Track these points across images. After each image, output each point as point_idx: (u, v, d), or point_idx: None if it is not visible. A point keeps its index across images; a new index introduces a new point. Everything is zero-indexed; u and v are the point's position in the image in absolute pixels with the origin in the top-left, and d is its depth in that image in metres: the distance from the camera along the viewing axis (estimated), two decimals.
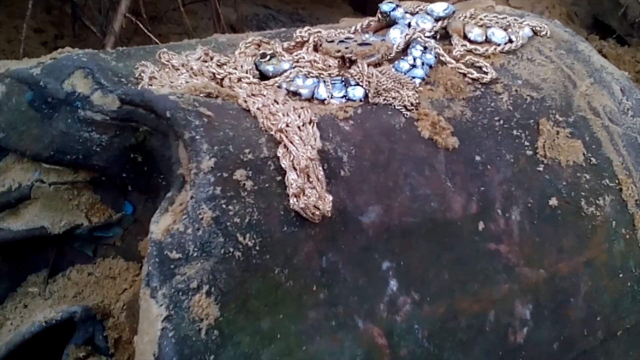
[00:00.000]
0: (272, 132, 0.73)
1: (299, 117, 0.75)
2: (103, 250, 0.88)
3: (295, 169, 0.69)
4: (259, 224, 0.66)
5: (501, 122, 0.88)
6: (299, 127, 0.73)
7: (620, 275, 0.89)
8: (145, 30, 1.71)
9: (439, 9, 1.02)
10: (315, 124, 0.75)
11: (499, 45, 1.01)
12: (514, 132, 0.88)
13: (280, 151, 0.71)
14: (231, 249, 0.64)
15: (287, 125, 0.72)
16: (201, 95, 0.78)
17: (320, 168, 0.70)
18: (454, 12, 1.02)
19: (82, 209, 0.86)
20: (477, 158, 0.83)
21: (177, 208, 0.66)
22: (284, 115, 0.75)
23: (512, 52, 1.01)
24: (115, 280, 0.86)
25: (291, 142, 0.71)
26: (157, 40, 1.78)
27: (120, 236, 0.87)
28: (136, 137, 0.78)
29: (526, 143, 0.88)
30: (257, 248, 0.65)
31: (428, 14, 1.02)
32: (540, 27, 1.08)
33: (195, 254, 0.63)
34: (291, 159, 0.70)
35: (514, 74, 0.96)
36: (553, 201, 0.85)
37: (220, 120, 0.73)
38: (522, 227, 0.82)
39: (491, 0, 1.26)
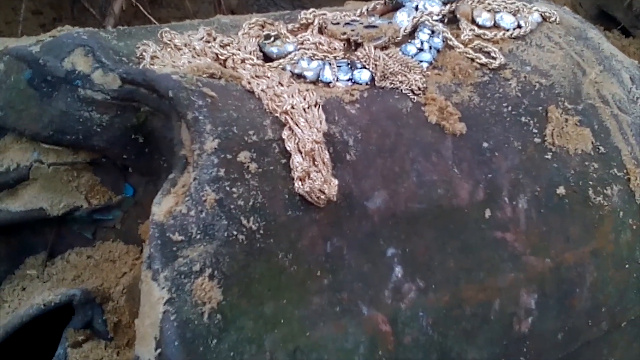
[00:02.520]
0: (277, 114, 0.71)
1: (304, 99, 0.74)
2: (102, 233, 0.87)
3: (300, 152, 0.68)
4: (263, 208, 0.65)
5: (509, 108, 0.87)
6: (304, 110, 0.71)
7: (626, 266, 0.88)
8: (145, 13, 1.68)
9: None
10: (320, 107, 0.73)
11: (507, 30, 0.99)
12: (522, 119, 0.87)
13: (285, 133, 0.69)
14: (235, 232, 0.62)
15: (293, 107, 0.70)
16: (204, 75, 0.77)
17: (326, 151, 0.69)
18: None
19: (81, 190, 0.84)
20: (485, 145, 0.82)
21: (179, 190, 0.65)
22: (289, 97, 0.73)
23: (521, 38, 0.99)
24: (115, 263, 0.85)
25: (296, 125, 0.69)
26: (156, 23, 1.76)
27: (120, 219, 0.86)
28: (137, 117, 0.76)
29: (534, 130, 0.86)
30: (261, 232, 0.64)
31: None
32: (550, 13, 1.06)
33: (198, 237, 0.61)
34: (296, 141, 0.68)
35: (522, 60, 0.94)
36: (560, 190, 0.84)
37: (224, 101, 0.71)
38: (529, 216, 0.80)
39: None
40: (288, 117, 0.70)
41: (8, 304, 0.83)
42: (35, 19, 2.29)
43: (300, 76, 0.83)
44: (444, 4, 0.99)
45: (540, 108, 0.89)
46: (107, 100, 0.75)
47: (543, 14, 1.06)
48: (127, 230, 0.85)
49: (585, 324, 0.85)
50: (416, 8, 0.98)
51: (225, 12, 2.18)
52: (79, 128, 0.77)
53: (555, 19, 1.06)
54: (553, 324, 0.81)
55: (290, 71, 0.84)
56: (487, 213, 0.78)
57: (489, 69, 0.91)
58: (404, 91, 0.82)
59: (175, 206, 0.63)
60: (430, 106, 0.81)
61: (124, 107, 0.76)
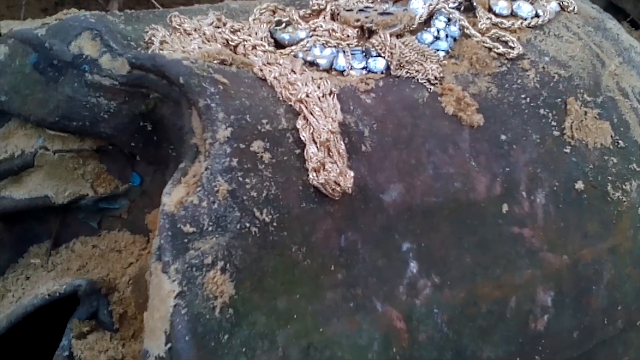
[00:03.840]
0: (291, 103, 0.69)
1: (319, 87, 0.71)
2: (108, 223, 0.85)
3: (315, 142, 0.65)
4: (277, 199, 0.62)
5: (528, 100, 0.84)
6: (319, 98, 0.69)
7: None
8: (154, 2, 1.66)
9: None
10: (335, 96, 0.71)
11: (525, 19, 0.97)
12: (541, 111, 0.84)
13: (299, 123, 0.67)
14: (247, 224, 0.60)
15: (307, 96, 0.68)
16: (215, 62, 0.74)
17: (342, 142, 0.66)
18: None
19: (87, 178, 0.82)
20: (503, 137, 0.79)
21: (190, 179, 0.63)
22: (303, 85, 0.71)
23: (539, 27, 0.96)
24: (121, 253, 0.83)
25: (311, 114, 0.67)
26: (160, 8, 1.73)
27: (127, 208, 0.84)
28: (146, 104, 0.74)
29: (553, 123, 0.84)
30: (275, 224, 0.62)
31: None
32: (568, 2, 1.03)
33: (210, 228, 0.59)
34: (311, 131, 0.66)
35: (541, 50, 0.92)
36: (579, 185, 0.81)
37: (236, 88, 0.69)
38: (547, 211, 0.78)
39: None
40: (302, 106, 0.67)
41: (12, 294, 0.81)
42: (37, 3, 2.26)
43: (312, 64, 0.81)
44: None
45: (559, 100, 0.86)
46: (115, 86, 0.73)
47: (561, 3, 1.03)
48: (134, 219, 0.83)
49: (601, 322, 0.83)
50: None
51: None
52: (86, 114, 0.74)
53: (574, 9, 1.03)
54: (569, 322, 0.79)
55: (303, 58, 0.81)
56: (505, 208, 0.76)
57: (507, 58, 0.88)
58: (420, 81, 0.79)
59: (186, 196, 0.61)
60: (447, 96, 0.79)
61: (132, 93, 0.73)
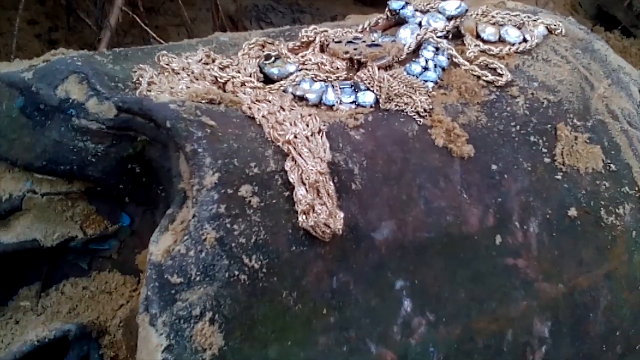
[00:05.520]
0: (279, 144, 0.68)
1: (307, 126, 0.71)
2: (98, 263, 0.84)
3: (304, 184, 0.65)
4: (266, 244, 0.62)
5: (518, 127, 0.84)
6: (307, 138, 0.69)
7: None
8: (142, 25, 1.66)
9: (451, 7, 0.97)
10: (324, 134, 0.71)
11: (513, 44, 0.97)
12: (531, 138, 0.84)
13: (288, 164, 0.66)
14: (236, 272, 0.60)
15: (295, 137, 0.67)
16: (203, 101, 0.74)
17: (331, 182, 0.66)
18: (466, 10, 0.97)
19: (76, 220, 0.81)
20: (494, 167, 0.79)
21: (178, 227, 0.62)
22: (291, 124, 0.70)
23: (527, 52, 0.96)
24: (112, 295, 0.82)
25: (299, 155, 0.66)
26: (154, 35, 1.73)
27: (117, 249, 0.83)
28: (134, 147, 0.73)
29: (544, 150, 0.84)
30: (264, 270, 0.61)
31: (440, 12, 0.97)
32: (555, 25, 1.03)
33: (197, 278, 0.58)
34: (300, 172, 0.65)
35: (529, 76, 0.92)
36: (572, 211, 0.81)
37: (224, 130, 0.68)
38: (541, 240, 0.78)
39: None
40: (291, 147, 0.67)
41: (1, 339, 0.80)
42: (30, 29, 2.26)
43: (302, 98, 0.81)
44: (448, 19, 0.96)
45: (549, 126, 0.86)
46: (102, 130, 0.73)
47: (548, 27, 1.03)
48: (124, 260, 0.82)
49: (600, 349, 0.82)
50: (419, 24, 0.96)
51: (223, 19, 2.16)
52: (73, 158, 0.74)
53: (561, 31, 1.03)
54: (567, 351, 0.78)
55: (292, 93, 0.81)
56: (498, 239, 0.75)
57: (496, 86, 0.88)
58: (409, 113, 0.79)
59: (173, 245, 0.60)
60: (436, 128, 0.79)
61: (119, 137, 0.73)
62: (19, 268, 0.84)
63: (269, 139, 0.69)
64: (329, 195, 0.65)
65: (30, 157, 0.76)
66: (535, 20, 1.03)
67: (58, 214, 0.81)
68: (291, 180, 0.65)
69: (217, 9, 2.13)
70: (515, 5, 1.14)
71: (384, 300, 0.67)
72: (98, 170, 0.74)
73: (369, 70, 0.81)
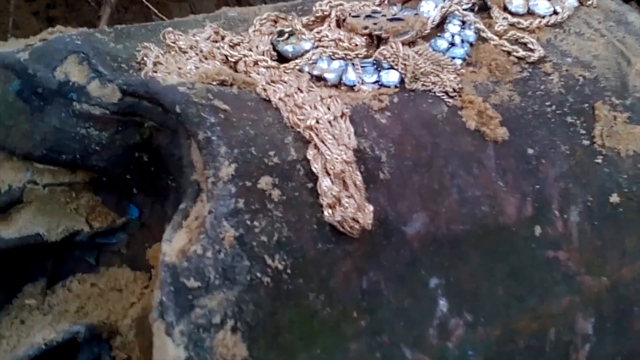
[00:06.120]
0: (300, 129, 0.62)
1: (329, 109, 0.65)
2: (107, 258, 0.78)
3: (328, 174, 0.59)
4: (290, 242, 0.56)
5: (553, 107, 0.78)
6: (329, 122, 0.62)
7: None
8: (146, 3, 1.59)
9: None
10: (347, 118, 0.65)
11: (543, 17, 0.90)
12: (568, 118, 0.78)
13: (310, 152, 0.60)
14: (258, 274, 0.54)
15: (317, 122, 0.61)
16: (214, 83, 0.68)
17: (358, 172, 0.60)
18: None
19: (81, 212, 0.76)
20: (530, 151, 0.73)
21: (192, 223, 0.56)
22: (311, 108, 0.64)
23: (559, 26, 0.90)
24: (122, 292, 0.76)
25: (322, 142, 0.60)
26: (155, 11, 1.66)
27: (126, 243, 0.78)
28: (141, 133, 0.67)
29: (582, 131, 0.78)
30: (289, 271, 0.55)
31: None
32: None
33: (217, 282, 0.53)
34: (324, 162, 0.59)
35: (562, 51, 0.85)
36: (614, 198, 0.75)
37: (239, 114, 0.62)
38: (582, 230, 0.72)
39: None
40: (313, 133, 0.61)
41: (6, 340, 0.75)
42: (27, 6, 2.19)
43: (320, 78, 0.75)
44: None
45: (586, 105, 0.80)
46: (106, 115, 0.66)
47: None
48: (134, 254, 0.77)
49: None
50: None
51: None
52: (76, 147, 0.68)
53: (592, 2, 0.97)
54: (611, 348, 0.73)
55: (309, 73, 0.75)
56: (537, 230, 0.69)
57: (528, 62, 0.82)
58: (437, 94, 0.73)
59: (189, 244, 0.54)
60: (467, 110, 0.72)
61: (125, 123, 0.67)
62: (23, 263, 0.78)
63: (288, 124, 0.63)
64: (356, 186, 0.59)
65: (30, 146, 0.70)
66: None
67: (61, 206, 0.75)
68: (314, 170, 0.59)
69: None
70: None
71: (417, 300, 0.61)
72: (103, 160, 0.68)
73: (392, 47, 0.75)
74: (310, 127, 0.61)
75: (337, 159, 0.59)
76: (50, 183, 0.73)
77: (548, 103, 0.78)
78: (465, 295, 0.63)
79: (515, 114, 0.75)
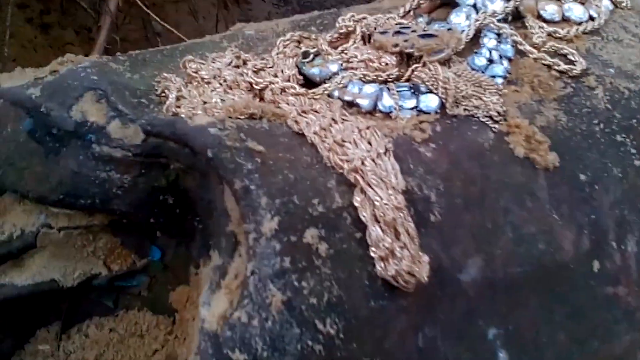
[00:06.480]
0: (342, 171, 0.57)
1: (370, 144, 0.60)
2: (126, 301, 0.73)
3: (378, 222, 0.54)
4: (341, 302, 0.51)
5: (601, 125, 0.73)
6: (374, 161, 0.57)
7: None
8: (145, 8, 1.52)
9: None
10: (391, 154, 0.59)
11: (579, 24, 0.85)
12: (617, 137, 0.73)
13: (357, 198, 0.55)
14: (310, 342, 0.49)
15: (362, 163, 0.56)
16: (242, 117, 0.63)
17: (410, 219, 0.55)
18: None
19: (99, 255, 0.70)
20: (582, 177, 0.68)
21: (232, 282, 0.51)
22: (351, 144, 0.59)
23: (596, 32, 0.85)
24: (143, 338, 0.72)
25: (369, 185, 0.55)
26: (156, 18, 1.59)
27: (147, 285, 0.72)
28: (166, 175, 0.62)
29: (632, 150, 0.73)
30: (341, 335, 0.50)
31: None
32: None
33: (265, 354, 0.47)
34: (372, 208, 0.54)
35: (604, 61, 0.80)
36: None
37: (275, 155, 0.57)
38: None
39: None
40: (358, 176, 0.55)
41: None
42: (21, 13, 2.12)
43: (352, 104, 0.69)
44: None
45: (634, 121, 0.75)
46: (128, 158, 0.61)
47: (614, 0, 0.91)
48: (155, 297, 0.72)
49: None
50: (474, 6, 0.84)
51: None
52: (95, 191, 0.63)
53: (627, 4, 0.91)
54: None
55: (339, 98, 0.69)
56: (595, 265, 0.65)
57: (570, 76, 0.76)
58: (481, 118, 0.68)
59: (230, 309, 0.49)
60: (514, 135, 0.67)
61: (149, 165, 0.62)
62: (36, 306, 0.73)
63: (329, 164, 0.58)
64: (409, 235, 0.53)
65: (44, 190, 0.64)
66: None
67: (78, 250, 0.70)
68: (362, 218, 0.54)
69: None
70: None
71: (476, 355, 0.56)
72: (125, 204, 0.63)
73: (430, 69, 0.70)
74: (355, 170, 0.56)
75: (386, 204, 0.54)
76: (66, 227, 0.68)
77: (595, 121, 0.73)
78: (525, 345, 0.58)
79: (563, 135, 0.70)
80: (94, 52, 1.37)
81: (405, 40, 0.74)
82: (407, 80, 0.72)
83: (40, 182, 0.65)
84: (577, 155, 0.69)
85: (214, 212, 0.59)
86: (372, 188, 0.55)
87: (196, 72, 0.68)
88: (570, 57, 0.79)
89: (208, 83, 0.67)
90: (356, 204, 0.55)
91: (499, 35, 0.79)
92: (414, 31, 0.77)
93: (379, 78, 0.72)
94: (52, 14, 2.09)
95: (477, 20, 0.79)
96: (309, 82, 0.73)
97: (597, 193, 0.68)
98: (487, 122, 0.68)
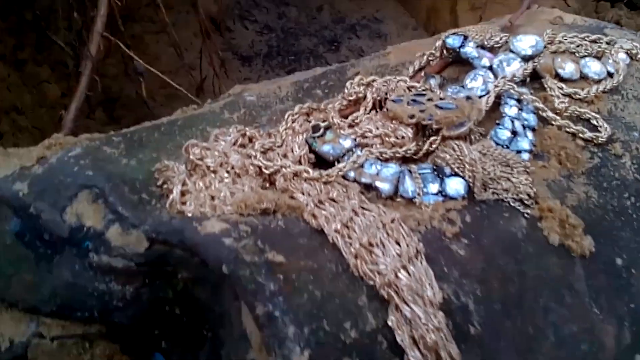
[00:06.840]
0: (373, 283, 0.51)
1: (399, 245, 0.54)
2: None
3: (417, 345, 0.48)
4: None
5: (632, 200, 0.68)
6: (406, 269, 0.52)
7: None
8: (126, 50, 1.46)
9: (526, 44, 0.80)
10: (423, 256, 0.54)
11: (598, 82, 0.80)
12: None
13: (392, 318, 0.49)
14: None
15: (396, 275, 0.50)
16: (255, 213, 0.57)
17: (452, 341, 0.49)
18: (544, 47, 0.80)
19: None
20: (619, 261, 0.63)
21: None
22: (378, 247, 0.53)
23: (615, 90, 0.80)
24: None
25: (405, 302, 0.49)
26: (138, 59, 1.52)
27: None
28: (173, 285, 0.56)
29: None
30: None
31: (512, 51, 0.80)
32: (635, 49, 0.87)
33: None
34: (409, 329, 0.49)
35: (627, 124, 0.76)
36: None
37: (296, 265, 0.51)
38: None
39: (557, 9, 1.05)
40: (392, 292, 0.50)
41: None
42: None
43: (370, 186, 0.64)
44: (524, 60, 0.79)
45: None
46: (131, 268, 0.55)
47: (629, 52, 0.86)
48: None
49: None
50: (490, 68, 0.79)
51: (204, 22, 1.94)
52: (93, 303, 0.56)
53: None
54: None
55: (355, 180, 0.64)
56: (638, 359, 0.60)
57: (596, 144, 0.72)
58: (511, 203, 0.63)
59: None
60: (547, 220, 0.62)
61: (153, 274, 0.55)
62: None
63: (357, 274, 0.52)
64: (451, 358, 0.48)
65: (35, 301, 0.58)
66: (609, 44, 0.87)
67: (73, 359, 0.63)
68: (399, 341, 0.49)
69: (198, 11, 1.93)
70: (574, 19, 0.98)
71: None
72: (126, 317, 0.57)
73: (455, 150, 0.64)
74: (388, 284, 0.50)
75: (425, 325, 0.48)
76: (60, 335, 0.62)
77: (626, 195, 0.69)
78: None
79: (596, 215, 0.65)
80: (75, 100, 1.29)
81: (422, 111, 0.69)
82: (426, 154, 0.67)
83: (30, 291, 0.58)
84: (612, 236, 0.65)
85: (236, 343, 0.53)
86: (407, 305, 0.49)
87: (200, 160, 0.62)
88: (594, 121, 0.74)
89: (214, 172, 0.62)
90: (391, 324, 0.49)
91: (519, 101, 0.74)
92: (429, 99, 0.71)
93: (397, 155, 0.67)
94: (25, 49, 2.00)
95: (496, 86, 0.74)
96: (321, 158, 0.68)
97: (635, 278, 0.63)
98: (518, 207, 0.63)
